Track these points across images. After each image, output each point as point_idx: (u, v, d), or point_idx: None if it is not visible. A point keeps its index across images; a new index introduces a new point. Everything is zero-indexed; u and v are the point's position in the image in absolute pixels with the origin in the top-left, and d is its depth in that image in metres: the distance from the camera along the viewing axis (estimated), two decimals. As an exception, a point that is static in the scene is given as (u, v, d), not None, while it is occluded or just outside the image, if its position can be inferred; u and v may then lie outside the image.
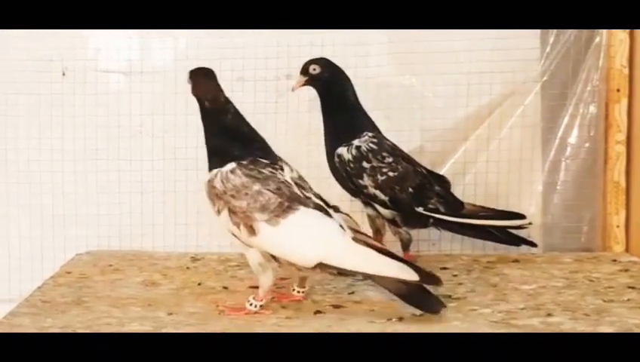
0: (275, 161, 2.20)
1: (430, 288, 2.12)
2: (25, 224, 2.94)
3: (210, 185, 2.17)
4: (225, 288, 2.45)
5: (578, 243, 2.88)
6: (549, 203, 2.89)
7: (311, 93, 2.61)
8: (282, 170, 2.19)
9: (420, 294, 2.10)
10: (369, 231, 2.63)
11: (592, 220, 2.89)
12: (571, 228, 2.89)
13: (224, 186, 2.15)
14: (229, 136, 2.19)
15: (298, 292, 2.30)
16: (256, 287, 2.26)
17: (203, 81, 2.24)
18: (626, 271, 2.56)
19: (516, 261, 2.69)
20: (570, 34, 2.83)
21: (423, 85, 2.87)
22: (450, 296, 2.33)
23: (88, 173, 2.93)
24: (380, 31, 2.84)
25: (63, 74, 2.91)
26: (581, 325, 2.08)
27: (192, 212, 2.91)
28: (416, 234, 2.67)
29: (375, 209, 2.57)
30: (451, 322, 2.12)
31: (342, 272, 2.18)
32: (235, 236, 2.19)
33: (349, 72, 2.57)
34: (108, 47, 2.91)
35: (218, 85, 2.24)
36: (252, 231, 2.14)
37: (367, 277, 2.15)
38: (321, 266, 2.14)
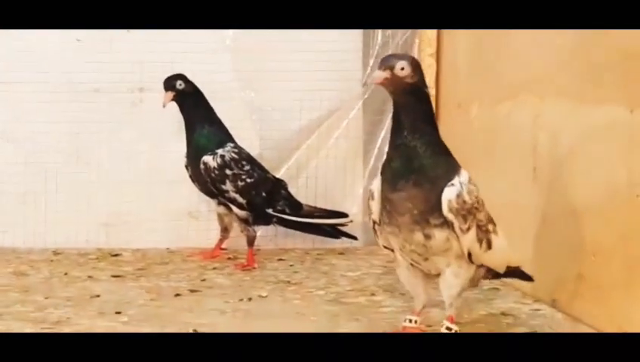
0: None
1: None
2: None
3: (461, 199, 2.02)
4: (90, 277, 2.76)
5: (393, 239, 3.33)
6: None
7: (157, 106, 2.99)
8: None
9: None
10: (217, 228, 3.05)
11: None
12: (387, 226, 3.33)
13: (471, 199, 2.03)
14: None
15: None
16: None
17: None
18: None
19: (341, 253, 3.14)
20: (388, 59, 3.28)
21: (262, 100, 3.25)
22: (289, 282, 2.74)
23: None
24: (225, 51, 3.22)
25: None
26: (399, 301, 2.51)
27: (51, 210, 3.18)
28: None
29: (228, 209, 2.94)
30: (292, 302, 2.52)
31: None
32: (471, 254, 2.06)
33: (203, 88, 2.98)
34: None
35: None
36: (489, 245, 2.08)
37: None
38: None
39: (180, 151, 3.10)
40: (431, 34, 3.25)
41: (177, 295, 2.57)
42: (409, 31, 3.26)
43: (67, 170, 3.20)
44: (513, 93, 2.73)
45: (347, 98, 3.29)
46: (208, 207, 3.17)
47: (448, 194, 2.00)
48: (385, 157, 2.09)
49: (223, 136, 2.94)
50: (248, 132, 3.21)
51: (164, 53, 3.20)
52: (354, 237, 3.11)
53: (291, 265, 2.96)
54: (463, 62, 3.10)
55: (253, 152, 3.17)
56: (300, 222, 3.02)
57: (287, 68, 3.23)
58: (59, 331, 2.16)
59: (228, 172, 2.89)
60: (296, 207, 3.00)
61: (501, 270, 2.17)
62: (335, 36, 3.24)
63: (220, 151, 2.90)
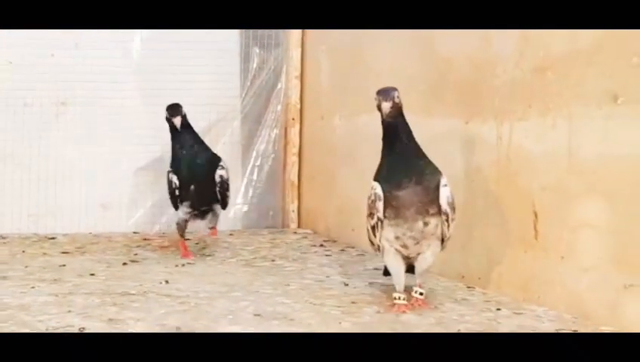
0: None
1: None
2: None
3: (452, 196, 2.61)
4: (45, 254, 3.45)
5: (267, 223, 4.18)
6: (248, 195, 4.17)
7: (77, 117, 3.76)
8: None
9: None
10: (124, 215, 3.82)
11: (275, 207, 4.21)
12: (263, 213, 4.19)
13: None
14: None
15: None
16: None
17: None
18: (305, 238, 3.91)
19: (231, 234, 3.94)
20: (262, 80, 4.13)
21: (163, 113, 3.98)
22: (204, 254, 3.53)
23: None
24: (133, 72, 3.96)
25: None
26: (292, 265, 3.34)
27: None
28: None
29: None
30: (216, 266, 3.32)
31: None
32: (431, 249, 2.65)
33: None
34: None
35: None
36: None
37: None
38: None
39: (95, 153, 3.90)
40: (296, 59, 4.13)
41: (125, 264, 3.31)
42: (280, 57, 4.13)
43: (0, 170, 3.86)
44: (370, 108, 3.62)
45: (230, 111, 4.12)
46: (118, 199, 3.93)
47: (446, 192, 2.61)
48: (380, 165, 2.66)
49: (210, 151, 3.50)
50: (153, 138, 3.94)
51: (82, 73, 3.91)
52: None
53: (197, 243, 3.74)
54: (325, 83, 4.00)
55: (156, 155, 3.95)
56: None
57: (183, 87, 4.00)
58: (62, 285, 2.88)
59: (229, 181, 3.49)
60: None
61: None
62: (220, 61, 4.07)
63: (224, 165, 3.47)
